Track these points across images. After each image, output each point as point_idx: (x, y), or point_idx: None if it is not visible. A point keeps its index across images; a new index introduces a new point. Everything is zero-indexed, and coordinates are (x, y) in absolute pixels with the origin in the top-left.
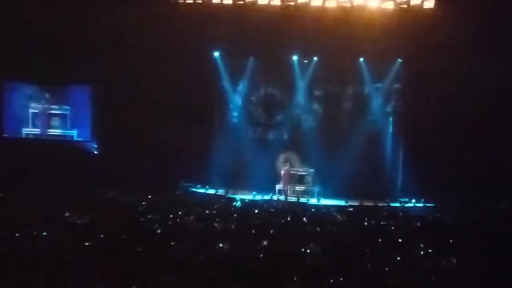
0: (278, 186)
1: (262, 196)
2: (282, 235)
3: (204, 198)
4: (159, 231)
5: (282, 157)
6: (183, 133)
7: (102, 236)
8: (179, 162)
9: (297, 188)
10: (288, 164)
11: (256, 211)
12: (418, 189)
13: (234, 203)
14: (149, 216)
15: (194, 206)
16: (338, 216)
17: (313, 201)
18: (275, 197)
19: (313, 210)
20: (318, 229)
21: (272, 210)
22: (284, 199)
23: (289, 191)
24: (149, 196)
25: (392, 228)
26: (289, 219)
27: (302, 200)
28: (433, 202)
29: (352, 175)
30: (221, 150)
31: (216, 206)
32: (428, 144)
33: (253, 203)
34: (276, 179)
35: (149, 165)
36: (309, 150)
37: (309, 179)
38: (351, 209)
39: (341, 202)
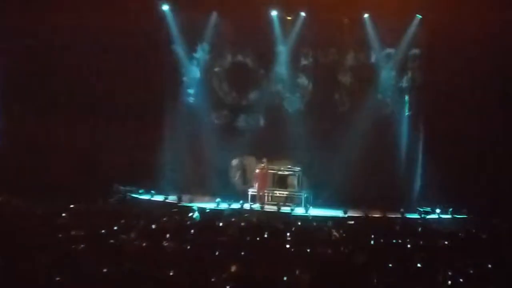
0: (252, 191)
1: (229, 205)
2: (257, 258)
3: (148, 208)
4: (84, 253)
5: (239, 161)
6: (118, 122)
7: None
8: (112, 160)
9: (278, 193)
10: (264, 161)
11: (221, 225)
12: (444, 195)
13: (191, 215)
14: (72, 233)
15: (135, 219)
16: (334, 232)
17: (299, 211)
18: (247, 206)
19: (299, 223)
20: (306, 250)
21: (243, 224)
22: (259, 209)
23: (266, 197)
24: (72, 206)
25: (409, 248)
26: (266, 236)
27: (284, 210)
28: (465, 213)
29: (353, 176)
30: (172, 142)
31: (165, 219)
32: (458, 132)
33: (217, 214)
34: (249, 181)
35: (71, 165)
36: (295, 142)
37: (294, 181)
38: (352, 222)
39: (338, 213)
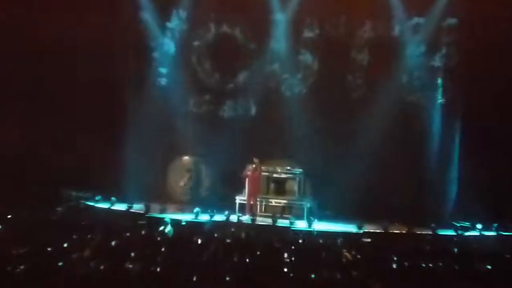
0: (240, 199)
1: (212, 216)
2: (246, 285)
3: (108, 219)
4: (25, 277)
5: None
6: (67, 112)
7: None
8: (59, 159)
9: (273, 202)
10: (256, 161)
11: (201, 242)
12: (487, 206)
13: (162, 229)
14: (12, 251)
15: (91, 233)
16: (346, 253)
17: (301, 225)
18: (234, 218)
19: (301, 241)
20: (310, 275)
21: (228, 240)
22: (250, 221)
23: (258, 207)
24: (8, 216)
25: (442, 273)
26: (258, 256)
27: (282, 223)
28: None
29: (369, 181)
30: (139, 137)
31: (129, 234)
32: (505, 127)
33: (195, 229)
34: (237, 186)
35: (5, 166)
36: (295, 137)
37: (293, 186)
38: (368, 239)
39: (351, 228)
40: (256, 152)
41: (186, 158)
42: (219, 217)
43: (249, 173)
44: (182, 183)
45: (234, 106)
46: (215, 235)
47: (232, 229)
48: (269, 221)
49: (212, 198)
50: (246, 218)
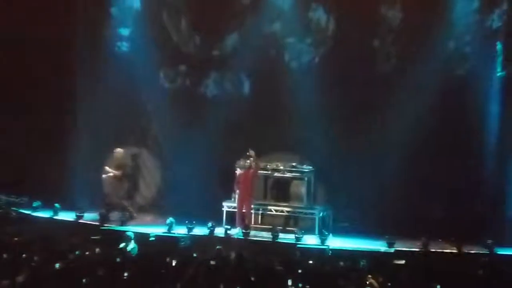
0: (228, 206)
1: (190, 229)
2: None
3: (50, 233)
4: None
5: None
6: None
7: None
8: None
9: (274, 210)
10: (251, 155)
11: (175, 263)
12: None
13: (123, 245)
14: None
15: (26, 251)
16: (371, 280)
17: (310, 241)
18: (220, 231)
19: (310, 262)
20: None
21: (212, 262)
22: (241, 236)
23: (253, 217)
24: None
25: None
26: (253, 281)
27: (285, 238)
28: None
29: (402, 183)
30: (91, 122)
31: (78, 252)
32: None
33: (167, 246)
34: (225, 189)
35: None
36: (303, 123)
37: (300, 189)
38: (401, 262)
39: (377, 245)
40: (250, 143)
41: (119, 150)
42: (200, 231)
43: (241, 171)
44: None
45: (220, 81)
46: (194, 255)
47: (218, 247)
48: (267, 236)
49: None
50: (236, 232)
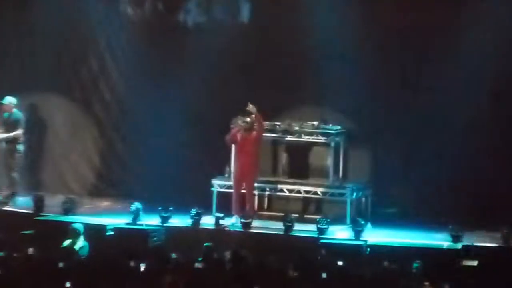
0: (220, 185)
1: (165, 219)
2: None
3: None
4: None
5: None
6: None
7: None
8: None
9: (287, 189)
10: (252, 110)
11: (144, 267)
12: None
13: (68, 243)
14: None
15: None
16: None
17: (340, 234)
18: (208, 222)
19: (340, 264)
20: None
21: (198, 266)
22: (240, 228)
23: (257, 199)
24: None
25: None
26: None
27: (303, 230)
28: None
29: (470, 156)
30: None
31: (3, 254)
32: None
33: (133, 241)
34: (215, 161)
35: None
36: (329, 62)
37: (326, 160)
38: (474, 263)
39: (438, 240)
40: (250, 94)
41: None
42: (180, 221)
43: (238, 133)
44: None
45: (206, 4)
46: (173, 255)
47: (206, 244)
48: (278, 227)
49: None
50: (233, 222)
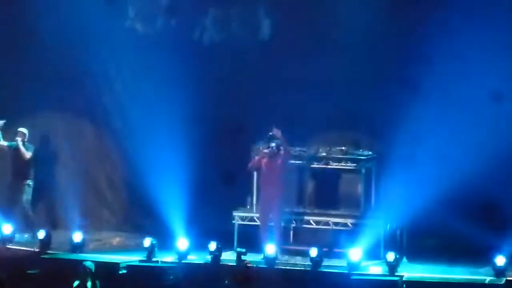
0: (239, 217)
1: (182, 256)
2: None
3: None
4: None
5: None
6: None
7: None
8: None
9: (314, 221)
10: (277, 135)
11: None
12: None
13: (77, 284)
14: None
15: None
16: None
17: (374, 269)
18: (229, 257)
19: None
20: None
21: None
22: (263, 263)
23: (283, 231)
24: None
25: None
26: None
27: (331, 266)
28: None
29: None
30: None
31: None
32: None
33: (149, 280)
34: (235, 191)
35: None
36: (361, 85)
37: (356, 188)
38: None
39: (480, 275)
40: (274, 118)
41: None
42: (198, 257)
43: (262, 160)
44: None
45: (223, 20)
46: None
47: (227, 282)
48: (304, 262)
49: None
50: (259, 257)
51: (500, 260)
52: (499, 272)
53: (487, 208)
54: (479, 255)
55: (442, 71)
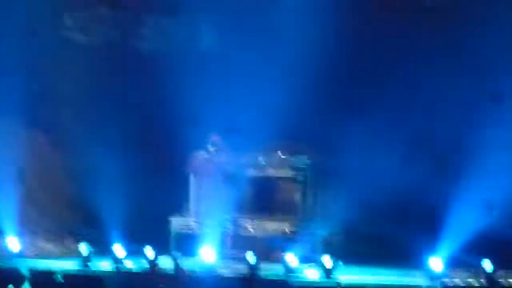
0: (177, 222)
1: (119, 262)
2: None
3: None
4: None
5: None
6: None
7: None
8: None
9: (252, 228)
10: (216, 142)
11: None
12: None
13: None
14: None
15: None
16: None
17: (312, 274)
18: (166, 263)
19: None
20: None
21: None
22: (202, 269)
23: (218, 239)
24: None
25: None
26: None
27: (269, 272)
28: None
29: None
30: None
31: None
32: None
33: (90, 285)
34: (172, 196)
35: None
36: (300, 93)
37: (294, 195)
38: None
39: (417, 278)
40: (213, 125)
41: None
42: (135, 264)
43: (201, 164)
44: None
45: (164, 29)
46: None
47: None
48: (242, 268)
49: None
50: (195, 263)
51: (435, 264)
52: (434, 276)
53: (422, 213)
54: (414, 259)
55: (375, 83)
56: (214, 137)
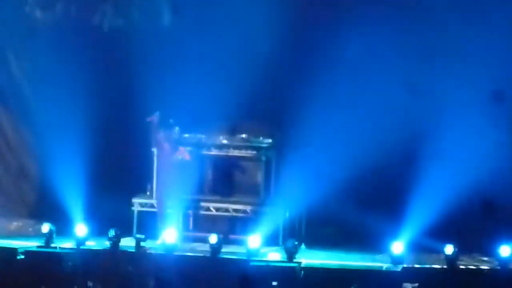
0: (139, 203)
1: (80, 242)
2: None
3: None
4: None
5: None
6: None
7: None
8: None
9: (214, 208)
10: (173, 123)
11: None
12: None
13: None
14: None
15: None
16: None
17: (273, 255)
18: (129, 244)
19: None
20: None
21: None
22: (164, 250)
23: (176, 218)
24: None
25: None
26: None
27: (231, 253)
28: None
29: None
30: None
31: None
32: None
33: (46, 266)
34: (134, 177)
35: None
36: (262, 71)
37: (256, 176)
38: (415, 285)
39: (377, 261)
40: (172, 103)
41: None
42: (97, 243)
43: (162, 143)
44: None
45: (124, 7)
46: (89, 284)
47: (125, 268)
48: (204, 249)
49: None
50: (158, 243)
51: (397, 247)
52: (396, 259)
53: (385, 196)
54: (376, 242)
55: (340, 62)
56: (176, 118)
